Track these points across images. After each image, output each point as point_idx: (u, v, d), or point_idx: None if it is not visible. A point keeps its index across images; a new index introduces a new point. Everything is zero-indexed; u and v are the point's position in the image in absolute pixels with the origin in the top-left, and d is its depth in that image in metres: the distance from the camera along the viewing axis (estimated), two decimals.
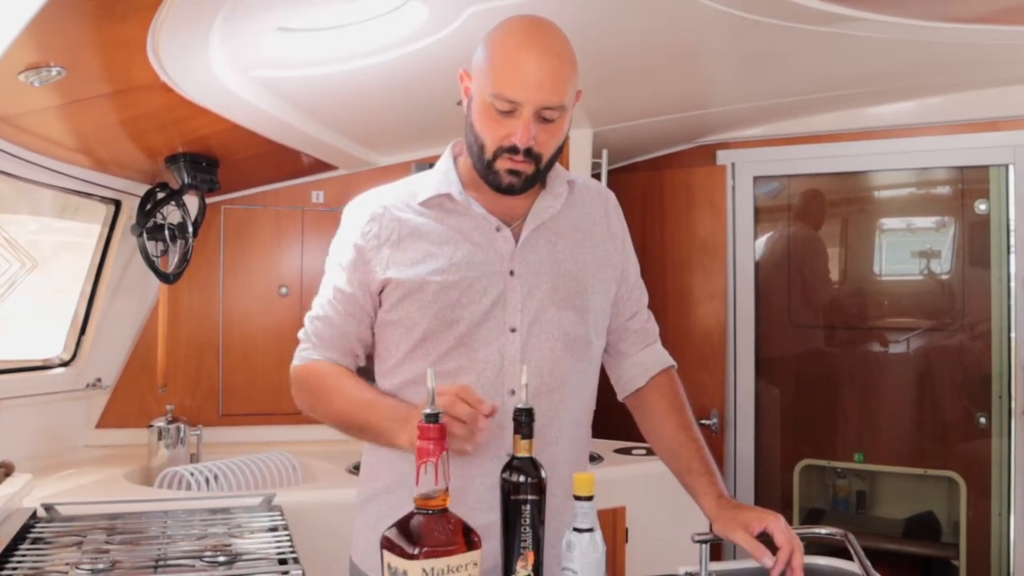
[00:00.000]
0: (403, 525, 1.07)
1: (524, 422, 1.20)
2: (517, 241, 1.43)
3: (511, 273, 1.41)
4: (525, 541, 1.18)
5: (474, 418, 1.20)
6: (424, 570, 1.03)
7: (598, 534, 1.19)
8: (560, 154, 1.42)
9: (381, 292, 1.44)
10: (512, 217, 1.45)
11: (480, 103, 1.35)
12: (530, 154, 1.34)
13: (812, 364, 3.59)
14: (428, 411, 1.09)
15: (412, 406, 1.31)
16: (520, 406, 1.21)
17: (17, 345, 2.65)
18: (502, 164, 1.35)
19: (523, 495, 1.18)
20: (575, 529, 1.19)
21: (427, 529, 1.06)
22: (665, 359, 1.61)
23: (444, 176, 1.46)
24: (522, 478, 1.19)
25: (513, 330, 1.40)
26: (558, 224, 1.47)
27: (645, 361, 1.59)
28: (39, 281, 2.69)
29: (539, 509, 1.20)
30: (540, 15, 1.38)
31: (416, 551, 1.03)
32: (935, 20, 2.21)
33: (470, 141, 1.39)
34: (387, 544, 1.07)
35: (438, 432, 1.08)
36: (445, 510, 1.08)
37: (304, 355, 1.51)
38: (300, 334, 1.53)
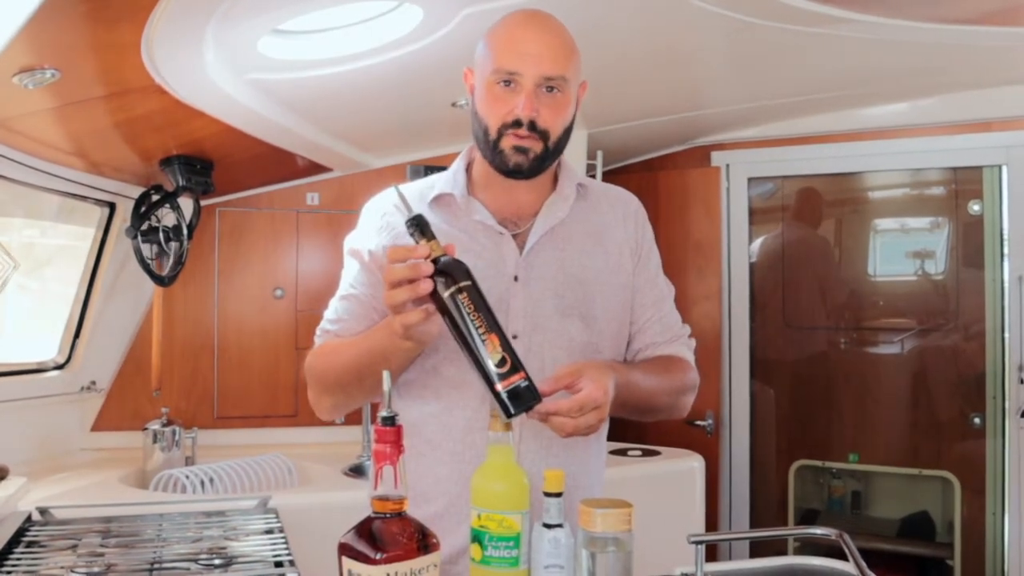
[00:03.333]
0: (362, 530, 1.07)
1: (418, 226, 1.18)
2: (525, 245, 1.41)
3: (515, 279, 1.39)
4: (480, 328, 1.13)
5: (415, 268, 1.15)
6: (388, 575, 1.02)
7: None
8: (567, 140, 1.40)
9: None
10: (521, 217, 1.43)
11: (482, 87, 1.36)
12: (535, 129, 1.33)
13: (807, 365, 3.60)
14: (384, 414, 1.08)
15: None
16: (407, 216, 1.19)
17: (11, 348, 2.64)
18: (507, 142, 1.34)
19: (451, 288, 1.14)
20: (558, 526, 1.19)
21: (388, 533, 1.05)
22: (683, 352, 1.54)
23: (452, 177, 1.46)
24: (442, 278, 1.14)
25: (515, 337, 1.37)
26: (568, 229, 1.44)
27: (672, 350, 1.52)
28: (34, 284, 2.69)
29: (477, 294, 1.15)
30: (547, 12, 1.39)
31: (378, 556, 1.02)
32: (928, 21, 2.22)
33: (476, 130, 1.39)
34: (346, 550, 1.05)
35: (395, 435, 1.07)
36: (402, 513, 1.07)
37: (319, 340, 1.47)
38: (317, 330, 1.49)
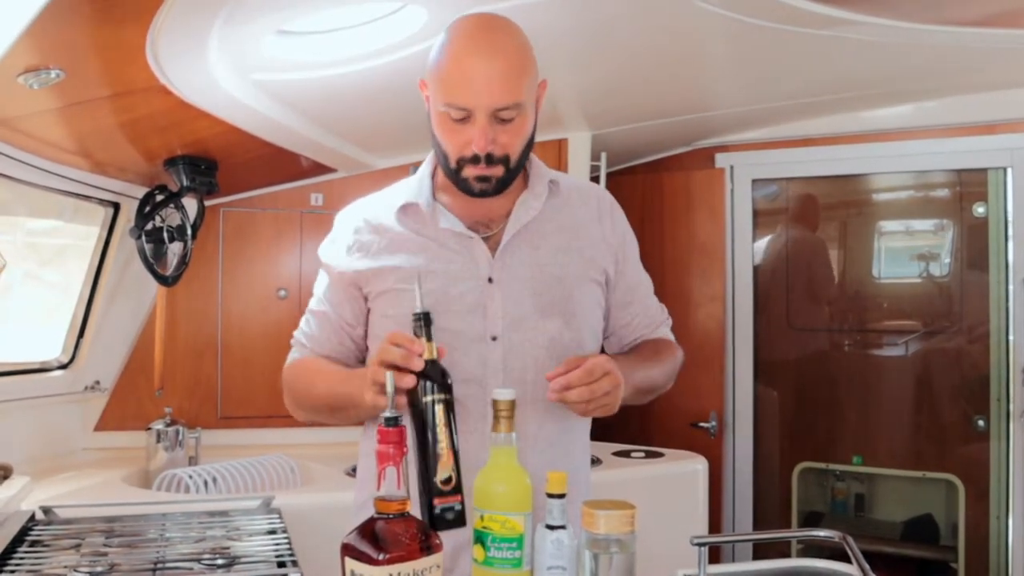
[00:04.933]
0: (365, 531, 1.07)
1: (423, 323, 1.20)
2: (498, 246, 1.40)
3: (489, 280, 1.39)
4: (441, 443, 1.16)
5: (408, 358, 1.18)
6: (391, 575, 1.02)
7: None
8: (530, 150, 1.39)
9: (367, 302, 1.47)
10: (493, 219, 1.43)
11: (436, 113, 1.34)
12: (493, 159, 1.32)
13: (811, 367, 3.59)
14: (387, 414, 1.08)
15: None
16: (416, 310, 1.21)
17: (15, 347, 2.65)
18: (469, 172, 1.34)
19: (431, 396, 1.17)
20: (560, 527, 1.19)
21: (391, 534, 1.05)
22: (667, 335, 1.59)
23: (419, 184, 1.45)
24: (427, 381, 1.17)
25: (494, 338, 1.38)
26: (542, 226, 1.43)
27: (648, 338, 1.57)
28: (38, 283, 2.69)
29: (450, 409, 1.18)
30: (495, 13, 1.37)
31: (381, 556, 1.02)
32: (932, 23, 2.21)
33: (437, 151, 1.39)
34: (349, 551, 1.05)
35: (398, 435, 1.07)
36: (405, 514, 1.08)
37: (293, 355, 1.55)
38: (293, 340, 1.57)
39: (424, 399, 1.17)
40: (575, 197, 1.50)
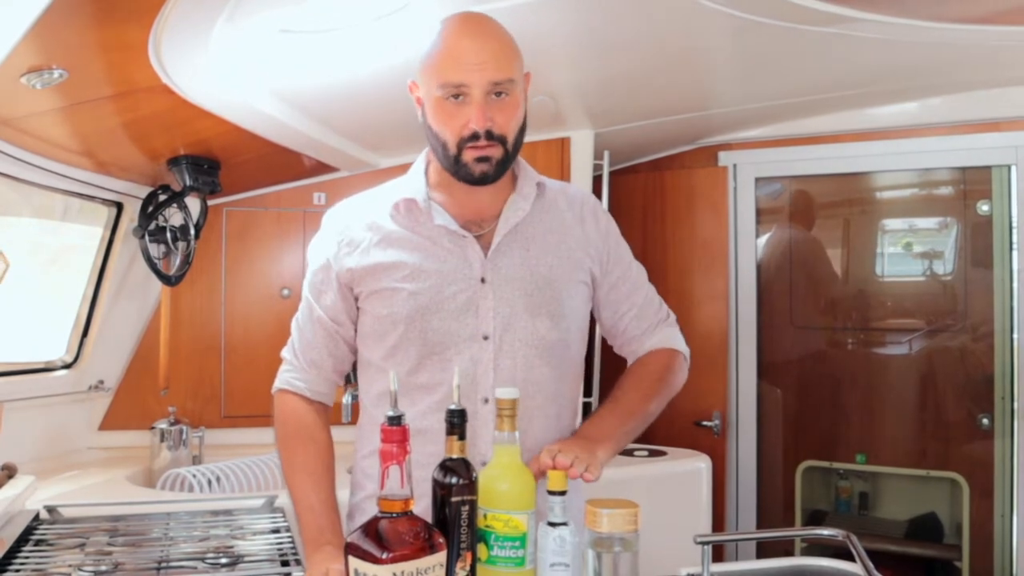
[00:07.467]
0: (368, 529, 1.07)
1: (457, 423, 1.20)
2: (489, 246, 1.43)
3: (482, 280, 1.41)
4: (464, 542, 1.18)
5: None
6: (394, 574, 1.02)
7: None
8: (523, 138, 1.42)
9: (357, 301, 1.47)
10: (484, 218, 1.45)
11: (432, 102, 1.36)
12: (492, 136, 1.34)
13: (814, 365, 3.59)
14: (391, 413, 1.08)
15: (336, 541, 1.32)
16: (452, 407, 1.20)
17: (20, 347, 2.65)
18: (468, 155, 1.36)
19: (460, 496, 1.18)
20: (563, 524, 1.19)
21: (394, 532, 1.05)
22: (672, 342, 1.59)
23: (413, 181, 1.47)
24: (457, 480, 1.18)
25: (486, 337, 1.40)
26: (531, 228, 1.46)
27: (652, 342, 1.58)
28: (42, 283, 2.70)
29: (474, 509, 1.19)
30: (483, 13, 1.40)
31: (385, 555, 1.02)
32: (936, 21, 2.21)
33: (433, 144, 1.40)
34: (353, 550, 1.06)
35: (401, 434, 1.07)
36: (408, 512, 1.08)
37: (287, 377, 1.54)
38: (284, 352, 1.56)
39: (454, 499, 1.18)
40: (561, 200, 1.53)
